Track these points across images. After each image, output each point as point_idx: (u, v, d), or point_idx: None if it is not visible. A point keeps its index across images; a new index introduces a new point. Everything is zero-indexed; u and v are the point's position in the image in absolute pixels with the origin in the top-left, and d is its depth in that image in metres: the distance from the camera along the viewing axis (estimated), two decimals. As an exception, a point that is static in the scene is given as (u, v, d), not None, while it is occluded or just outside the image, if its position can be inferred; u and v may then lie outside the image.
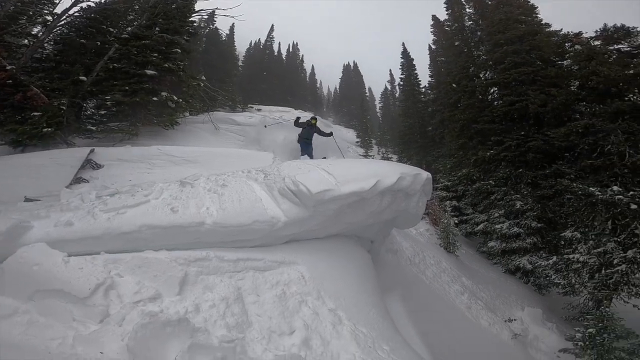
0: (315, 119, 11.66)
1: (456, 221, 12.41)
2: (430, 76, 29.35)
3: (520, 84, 14.35)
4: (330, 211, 5.00)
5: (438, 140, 21.60)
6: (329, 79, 68.83)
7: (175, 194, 4.88)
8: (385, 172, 5.81)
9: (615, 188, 7.94)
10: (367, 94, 53.08)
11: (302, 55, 56.67)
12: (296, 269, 4.96)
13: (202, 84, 12.83)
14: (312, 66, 58.15)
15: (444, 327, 8.22)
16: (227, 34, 35.79)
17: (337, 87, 57.93)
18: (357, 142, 33.62)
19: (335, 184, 5.00)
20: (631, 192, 7.91)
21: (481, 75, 18.04)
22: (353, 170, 5.69)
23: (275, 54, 50.08)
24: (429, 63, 30.66)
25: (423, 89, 29.37)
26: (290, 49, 55.76)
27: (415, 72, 29.78)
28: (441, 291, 9.50)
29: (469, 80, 18.08)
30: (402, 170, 6.02)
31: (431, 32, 29.53)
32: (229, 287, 4.25)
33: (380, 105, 47.33)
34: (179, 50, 11.44)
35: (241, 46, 45.02)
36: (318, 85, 60.27)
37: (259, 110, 20.35)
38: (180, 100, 10.96)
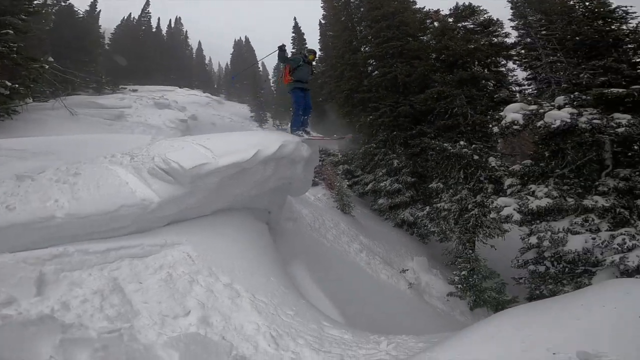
0: (314, 52, 7.73)
1: (348, 183, 13.43)
2: (320, 50, 30.60)
3: (391, 56, 15.99)
4: (212, 185, 4.85)
5: (329, 109, 22.98)
6: (220, 55, 65.29)
7: (10, 191, 4.07)
8: (268, 142, 5.85)
9: (461, 142, 9.65)
10: (261, 69, 52.55)
11: (186, 31, 52.85)
12: (181, 249, 4.74)
13: (47, 67, 10.80)
14: (199, 42, 55.04)
15: (348, 285, 8.84)
16: (86, 10, 30.47)
17: (229, 63, 55.74)
18: (252, 116, 33.61)
19: (212, 157, 4.83)
20: (473, 145, 9.71)
21: (362, 49, 19.66)
22: (234, 143, 5.59)
23: (154, 29, 45.17)
24: (319, 37, 31.83)
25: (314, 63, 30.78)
26: (172, 25, 51.24)
27: (306, 45, 30.41)
28: (342, 252, 10.27)
29: (352, 53, 19.44)
30: (284, 139, 6.13)
31: (321, 7, 30.56)
32: (101, 280, 3.91)
33: (273, 79, 47.28)
34: (11, 31, 9.62)
35: (111, 23, 39.20)
36: (207, 61, 57.26)
37: (134, 91, 18.07)
38: (17, 85, 9.09)
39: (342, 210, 12.00)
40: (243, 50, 54.60)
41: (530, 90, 15.34)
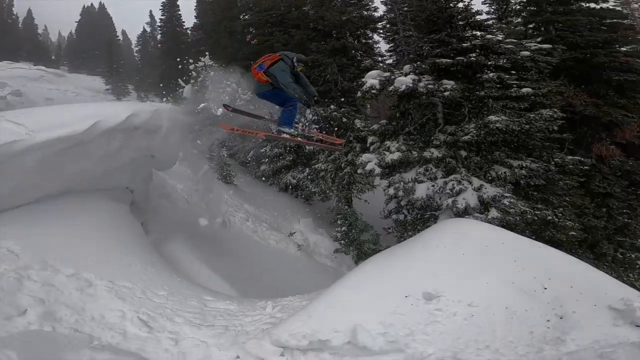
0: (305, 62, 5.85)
1: (226, 153, 12.95)
2: (196, 17, 28.28)
3: (272, 25, 15.78)
4: (30, 165, 3.98)
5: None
6: (61, 24, 54.92)
7: None
8: (112, 111, 5.10)
9: (332, 107, 10.27)
10: (121, 38, 46.66)
11: (9, -3, 42.45)
12: (-2, 245, 3.86)
13: None
14: (30, 10, 46.09)
15: (237, 256, 8.69)
16: None
17: (74, 31, 47.67)
18: (107, 89, 30.17)
19: (26, 133, 3.94)
20: (342, 109, 10.47)
21: (241, 17, 18.83)
22: (63, 116, 4.66)
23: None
24: (195, 5, 29.29)
25: (187, 30, 28.53)
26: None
27: (179, 12, 28.24)
28: (226, 222, 10.03)
29: (230, 21, 18.54)
30: (135, 108, 5.41)
31: (197, -28, 27.92)
32: None
33: (137, 48, 42.01)
34: None
35: None
36: (40, 31, 48.60)
37: None
38: None
39: (224, 180, 11.63)
40: (95, 18, 47.35)
41: (391, 61, 17.25)
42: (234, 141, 13.45)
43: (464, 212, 7.24)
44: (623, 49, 11.58)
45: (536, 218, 7.74)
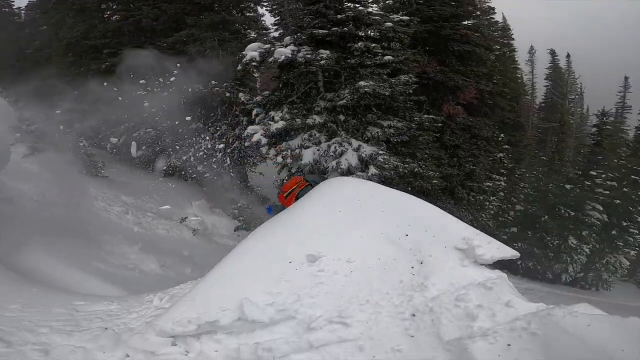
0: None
1: (87, 143, 10.95)
2: None
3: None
4: None
5: (44, 62, 18.15)
6: None
7: None
8: None
9: (212, 82, 9.51)
10: None
11: None
12: None
13: None
14: None
15: (120, 253, 7.68)
16: None
17: None
18: None
19: None
20: (225, 84, 9.79)
21: None
22: None
23: None
24: None
25: (18, 10, 23.77)
26: None
27: None
28: (101, 220, 8.61)
29: None
30: None
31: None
32: None
33: None
34: None
35: None
36: None
37: None
38: None
39: (90, 173, 9.84)
40: None
41: (277, 34, 16.79)
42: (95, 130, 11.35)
43: (348, 172, 7.71)
44: (464, 22, 13.45)
45: (406, 171, 8.80)
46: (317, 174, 7.30)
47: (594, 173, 13.07)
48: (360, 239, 3.85)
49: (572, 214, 13.20)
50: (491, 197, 12.93)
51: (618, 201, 14.14)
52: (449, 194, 11.85)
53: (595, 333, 2.82)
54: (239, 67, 8.49)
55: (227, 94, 9.56)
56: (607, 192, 13.52)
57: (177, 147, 10.97)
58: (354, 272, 3.58)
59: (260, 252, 3.95)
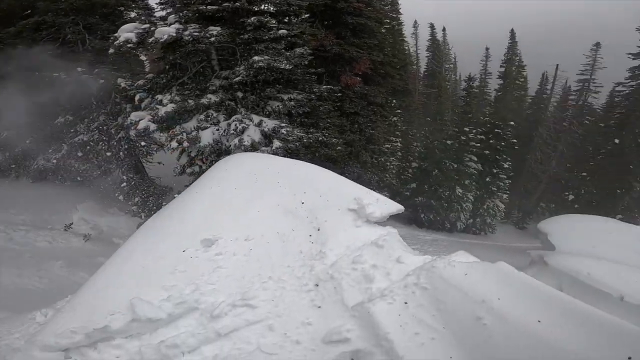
0: None
1: None
2: None
3: None
4: None
5: None
6: None
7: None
8: None
9: (79, 69, 7.95)
10: None
11: None
12: None
13: None
14: None
15: None
16: None
17: None
18: None
19: None
20: (96, 70, 8.29)
21: None
22: None
23: None
24: None
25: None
26: None
27: None
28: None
29: None
30: None
31: None
32: None
33: None
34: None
35: None
36: None
37: None
38: None
39: None
40: None
41: (165, 14, 14.58)
42: None
43: (252, 148, 7.42)
44: (357, -4, 13.61)
45: (311, 141, 8.90)
46: None
47: (467, 129, 15.23)
48: (257, 214, 3.72)
49: (455, 166, 15.27)
50: (391, 158, 14.09)
51: (487, 152, 16.82)
52: (355, 158, 12.50)
53: (473, 283, 3.15)
54: (111, 51, 7.36)
55: (101, 81, 8.11)
56: (478, 144, 15.94)
57: (46, 147, 9.04)
58: (253, 250, 3.46)
59: (150, 246, 3.55)
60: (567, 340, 2.58)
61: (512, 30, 25.45)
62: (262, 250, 3.50)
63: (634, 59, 18.23)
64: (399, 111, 16.00)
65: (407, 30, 27.26)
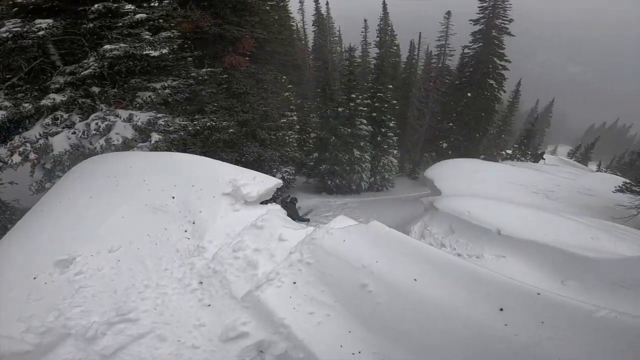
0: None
1: None
2: None
3: None
4: None
5: None
6: None
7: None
8: None
9: None
10: None
11: None
12: None
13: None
14: None
15: None
16: None
17: None
18: None
19: None
20: None
21: None
22: None
23: None
24: None
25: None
26: None
27: None
28: None
29: None
30: None
31: None
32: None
33: None
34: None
35: None
36: None
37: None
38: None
39: None
40: None
41: None
42: None
43: (126, 146, 6.55)
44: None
45: (198, 128, 8.28)
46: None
47: (354, 96, 16.17)
48: (122, 221, 3.32)
49: (349, 130, 16.22)
50: (289, 132, 14.18)
51: (374, 114, 18.24)
52: (252, 138, 12.17)
53: (352, 249, 3.18)
54: None
55: None
56: (366, 108, 17.13)
57: None
58: (121, 260, 3.12)
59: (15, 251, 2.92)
60: (445, 296, 2.68)
61: (384, 1, 27.23)
62: (132, 258, 3.17)
63: (474, 24, 21.47)
64: (290, 86, 15.97)
65: (294, 6, 26.86)
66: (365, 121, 16.95)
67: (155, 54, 7.03)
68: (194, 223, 3.42)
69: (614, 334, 2.39)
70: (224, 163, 4.23)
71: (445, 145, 22.81)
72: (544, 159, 19.97)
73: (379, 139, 18.58)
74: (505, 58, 20.95)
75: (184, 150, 8.22)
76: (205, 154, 9.60)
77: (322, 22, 27.81)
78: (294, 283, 3.15)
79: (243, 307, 3.10)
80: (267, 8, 15.99)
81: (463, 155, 20.06)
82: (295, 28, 26.01)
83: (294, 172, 15.04)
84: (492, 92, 21.56)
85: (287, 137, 13.88)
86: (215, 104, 9.16)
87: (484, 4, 20.75)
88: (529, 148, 21.47)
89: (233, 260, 3.34)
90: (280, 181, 4.21)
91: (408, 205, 13.91)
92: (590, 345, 2.38)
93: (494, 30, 20.84)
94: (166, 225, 3.37)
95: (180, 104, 8.11)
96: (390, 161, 19.26)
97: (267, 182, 4.02)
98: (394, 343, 2.64)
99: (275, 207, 3.79)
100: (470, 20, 21.44)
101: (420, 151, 23.63)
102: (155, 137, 6.88)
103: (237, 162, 11.71)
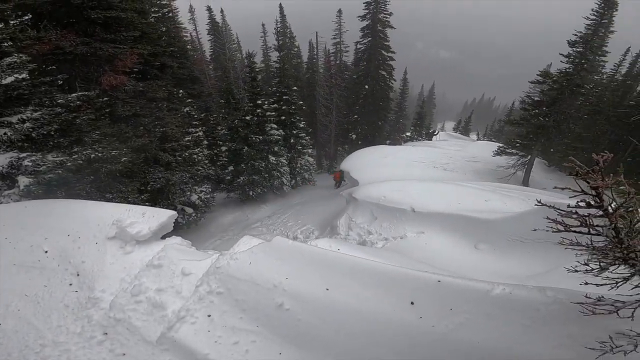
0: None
1: None
2: None
3: None
4: None
5: None
6: None
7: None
8: None
9: None
10: None
11: None
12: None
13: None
14: None
15: None
16: None
17: None
18: None
19: None
20: None
21: None
22: None
23: None
24: None
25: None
26: None
27: None
28: None
29: None
30: None
31: None
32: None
33: None
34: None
35: None
36: None
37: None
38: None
39: None
40: None
41: None
42: None
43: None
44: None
45: (81, 162, 7.22)
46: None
47: (260, 102, 16.05)
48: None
49: (260, 137, 16.05)
50: (197, 149, 13.34)
51: (283, 117, 18.41)
52: (155, 163, 11.15)
53: (260, 271, 3.10)
54: None
55: None
56: (274, 113, 17.18)
57: None
58: (2, 324, 2.70)
59: None
60: (359, 299, 2.74)
61: (280, 4, 27.61)
62: (15, 320, 2.72)
63: (362, 20, 23.34)
64: (190, 100, 15.06)
65: (185, 16, 25.29)
66: (275, 126, 16.99)
67: (4, 82, 5.91)
68: (78, 275, 3.04)
69: (512, 309, 2.52)
70: (105, 203, 3.79)
71: (354, 136, 24.39)
72: (437, 135, 22.96)
73: (292, 141, 18.85)
74: (390, 50, 23.32)
75: (69, 190, 7.08)
76: (100, 189, 8.42)
77: (217, 30, 26.92)
78: (209, 316, 3.02)
79: (162, 350, 2.91)
80: (152, 20, 14.77)
81: (371, 144, 21.76)
82: (188, 39, 24.61)
83: (210, 190, 14.26)
84: (385, 82, 23.80)
85: (195, 156, 13.01)
86: (97, 132, 8.07)
87: (368, 0, 22.72)
88: (422, 128, 24.33)
89: (135, 305, 3.08)
90: (175, 213, 3.92)
91: (333, 200, 14.46)
92: (501, 325, 2.50)
93: (378, 25, 22.99)
94: (45, 282, 2.95)
95: (51, 137, 6.95)
96: (307, 161, 19.71)
97: (160, 217, 3.72)
98: (327, 354, 2.68)
99: (174, 241, 3.52)
100: (359, 16, 23.26)
101: (333, 146, 24.80)
102: (23, 181, 5.80)
103: (141, 192, 10.55)
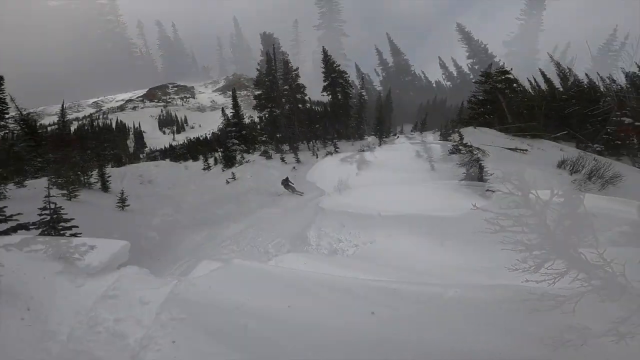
0: None
1: None
2: None
3: None
4: None
5: None
6: None
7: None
8: None
9: None
10: None
11: None
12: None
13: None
14: None
15: None
16: None
17: None
18: None
19: None
20: None
21: None
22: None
23: None
24: None
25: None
26: None
27: None
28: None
29: None
30: None
31: None
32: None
33: None
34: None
35: None
36: None
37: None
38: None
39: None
40: None
41: None
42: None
43: None
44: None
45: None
46: None
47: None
48: None
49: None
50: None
51: (244, 132, 18.27)
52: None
53: (221, 293, 2.99)
54: None
55: None
56: (234, 128, 17.03)
57: None
58: None
59: None
60: (323, 314, 2.77)
61: (235, 18, 27.55)
62: None
63: (317, 30, 23.95)
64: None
65: (133, 31, 24.28)
66: (236, 141, 16.80)
67: None
68: (29, 309, 2.88)
69: (465, 310, 2.66)
70: (53, 237, 3.59)
71: (318, 147, 24.64)
72: (397, 138, 23.86)
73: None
74: (347, 57, 24.15)
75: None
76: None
77: (170, 44, 26.22)
78: (174, 342, 2.94)
79: (131, 381, 2.77)
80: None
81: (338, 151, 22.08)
82: (139, 54, 23.75)
83: (174, 212, 13.66)
84: (343, 90, 24.47)
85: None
86: None
87: (322, 10, 23.39)
88: (383, 132, 25.20)
89: (95, 336, 2.97)
90: (127, 242, 3.82)
91: (302, 212, 14.36)
92: (457, 326, 2.62)
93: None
94: (-6, 324, 2.72)
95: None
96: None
97: (111, 248, 3.61)
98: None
99: (130, 270, 3.41)
100: (314, 26, 23.86)
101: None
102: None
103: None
